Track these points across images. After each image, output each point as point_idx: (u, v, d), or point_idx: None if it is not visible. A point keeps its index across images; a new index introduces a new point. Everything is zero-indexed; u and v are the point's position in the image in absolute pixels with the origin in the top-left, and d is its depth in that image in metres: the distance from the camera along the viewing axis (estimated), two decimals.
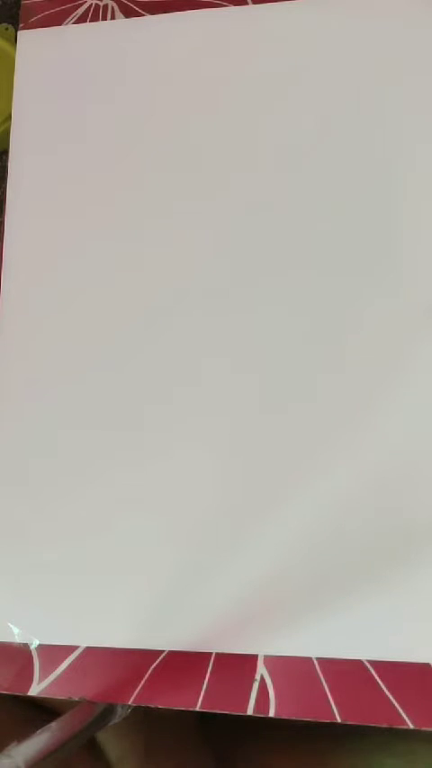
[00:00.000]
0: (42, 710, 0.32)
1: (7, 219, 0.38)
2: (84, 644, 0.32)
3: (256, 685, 0.30)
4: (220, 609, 0.32)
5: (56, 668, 0.32)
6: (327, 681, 0.30)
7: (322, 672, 0.30)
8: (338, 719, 0.29)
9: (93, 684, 0.32)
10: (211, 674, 0.31)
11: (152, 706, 0.31)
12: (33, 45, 0.40)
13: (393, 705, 0.29)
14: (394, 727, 0.29)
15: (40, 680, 0.32)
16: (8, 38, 0.47)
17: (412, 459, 0.32)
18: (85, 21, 0.40)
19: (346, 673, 0.30)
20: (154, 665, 0.32)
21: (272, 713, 0.30)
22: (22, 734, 0.29)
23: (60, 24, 0.40)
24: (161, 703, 0.31)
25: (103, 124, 0.38)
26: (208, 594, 0.32)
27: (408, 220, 0.34)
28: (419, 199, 0.34)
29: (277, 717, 0.30)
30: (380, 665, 0.30)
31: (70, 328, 0.36)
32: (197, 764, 0.35)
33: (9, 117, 0.40)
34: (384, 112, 0.35)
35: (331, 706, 0.30)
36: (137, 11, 0.40)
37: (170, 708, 0.30)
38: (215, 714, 0.30)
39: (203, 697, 0.31)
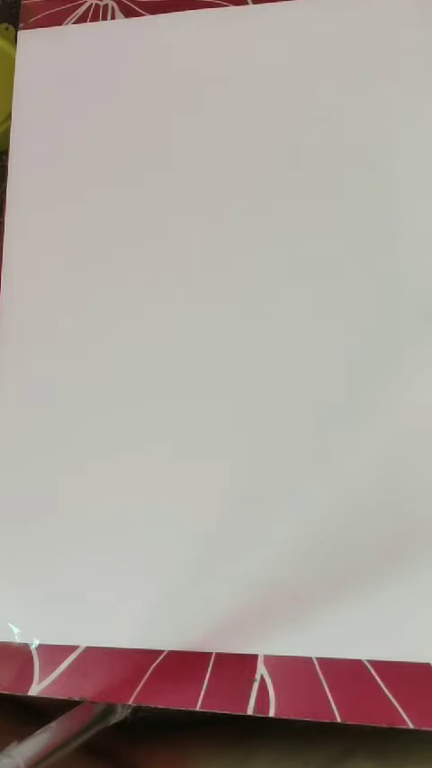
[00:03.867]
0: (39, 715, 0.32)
1: (7, 219, 0.38)
2: (84, 644, 0.32)
3: (256, 685, 0.30)
4: (220, 609, 0.32)
5: (56, 668, 0.32)
6: (327, 681, 0.30)
7: (322, 672, 0.30)
8: (338, 719, 0.29)
9: (93, 684, 0.32)
10: (211, 673, 0.31)
11: (152, 706, 0.31)
12: (33, 45, 0.40)
13: (393, 705, 0.29)
14: (394, 726, 0.29)
15: (40, 680, 0.32)
16: (8, 38, 0.47)
17: (412, 459, 0.32)
18: (85, 21, 0.40)
19: (347, 672, 0.30)
20: (154, 664, 0.31)
21: (272, 713, 0.30)
22: (22, 735, 0.29)
23: (60, 24, 0.40)
24: (161, 703, 0.31)
25: (103, 123, 0.38)
26: (208, 595, 0.32)
27: (407, 219, 0.34)
28: (419, 197, 0.34)
29: (278, 716, 0.30)
30: (380, 665, 0.30)
31: (70, 327, 0.36)
32: None
33: (9, 116, 0.40)
34: (384, 111, 0.35)
35: (331, 706, 0.30)
36: (137, 11, 0.40)
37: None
38: None
39: (203, 697, 0.31)
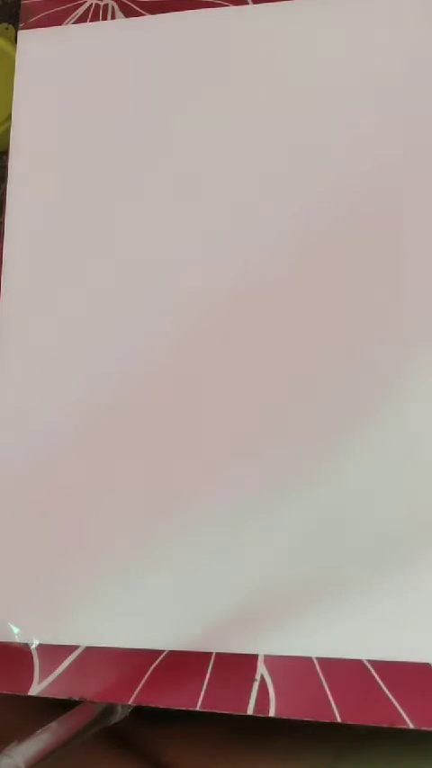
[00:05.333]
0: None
1: (7, 220, 0.38)
2: (84, 644, 0.32)
3: (256, 685, 0.30)
4: (220, 609, 0.32)
5: (56, 668, 0.32)
6: (327, 681, 0.30)
7: (322, 672, 0.30)
8: (338, 719, 0.29)
9: (93, 684, 0.32)
10: (211, 674, 0.31)
11: (152, 706, 0.31)
12: (33, 45, 0.40)
13: (393, 705, 0.29)
14: (395, 726, 0.29)
15: (40, 680, 0.32)
16: (8, 37, 0.47)
17: (412, 459, 0.32)
18: (85, 21, 0.40)
19: (347, 673, 0.30)
20: (154, 664, 0.31)
21: (272, 713, 0.30)
22: (23, 733, 0.29)
23: (60, 24, 0.40)
24: (161, 703, 0.31)
25: (103, 124, 0.38)
26: (208, 594, 0.32)
27: (410, 222, 0.34)
28: (423, 204, 0.34)
29: (278, 717, 0.30)
30: (380, 665, 0.30)
31: (71, 329, 0.36)
32: None
33: (9, 117, 0.40)
34: (384, 113, 0.35)
35: (331, 706, 0.30)
36: (137, 11, 0.40)
37: None
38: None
39: (203, 697, 0.31)
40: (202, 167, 0.37)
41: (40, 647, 0.33)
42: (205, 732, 0.34)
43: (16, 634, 0.33)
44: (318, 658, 0.30)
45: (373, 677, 0.30)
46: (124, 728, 0.35)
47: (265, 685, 0.30)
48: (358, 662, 0.30)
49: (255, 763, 0.34)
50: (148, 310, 0.36)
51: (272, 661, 0.31)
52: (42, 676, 0.32)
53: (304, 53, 0.37)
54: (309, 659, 0.30)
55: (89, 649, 0.32)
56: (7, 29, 0.48)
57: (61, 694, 0.32)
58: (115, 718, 0.33)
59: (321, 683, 0.30)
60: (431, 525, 0.31)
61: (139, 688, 0.31)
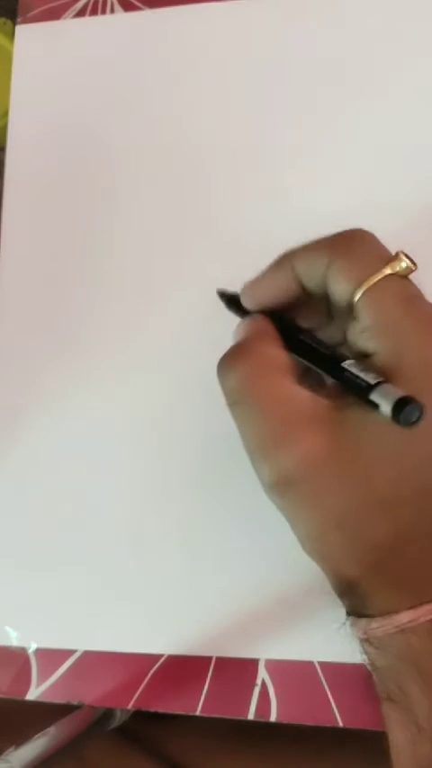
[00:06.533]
0: None
1: (4, 215, 0.38)
2: (82, 648, 0.32)
3: (257, 690, 0.30)
4: (221, 612, 0.31)
5: (54, 672, 0.32)
6: (328, 684, 0.30)
7: (324, 675, 0.30)
8: (340, 724, 0.29)
9: (91, 689, 0.31)
10: (211, 678, 0.31)
11: (151, 710, 0.31)
12: (31, 39, 0.40)
13: None
14: None
15: (38, 684, 0.32)
16: (6, 32, 0.46)
17: None
18: (84, 15, 0.40)
19: (349, 676, 0.30)
20: (153, 669, 0.31)
21: (273, 718, 0.30)
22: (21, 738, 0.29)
23: (59, 18, 0.40)
24: (161, 708, 0.31)
25: (101, 118, 0.38)
26: (208, 598, 0.31)
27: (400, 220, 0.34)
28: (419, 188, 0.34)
29: (279, 721, 0.30)
30: None
31: (67, 323, 0.36)
32: None
33: (6, 113, 0.39)
34: (384, 114, 0.35)
35: (333, 710, 0.29)
36: (135, 4, 0.39)
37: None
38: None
39: (203, 701, 0.30)
40: (199, 159, 0.36)
41: (38, 650, 0.33)
42: (211, 726, 0.34)
43: (13, 638, 0.33)
44: (319, 662, 0.30)
45: None
46: (131, 723, 0.35)
47: (266, 690, 0.30)
48: (361, 665, 0.30)
49: (258, 756, 0.34)
50: (150, 303, 0.35)
51: (273, 665, 0.30)
52: (40, 680, 0.32)
53: (302, 46, 0.37)
54: (310, 663, 0.30)
55: (87, 653, 0.32)
56: (5, 24, 0.47)
57: (59, 699, 0.32)
58: (114, 723, 0.33)
59: (323, 686, 0.30)
60: None
61: (138, 692, 0.31)
